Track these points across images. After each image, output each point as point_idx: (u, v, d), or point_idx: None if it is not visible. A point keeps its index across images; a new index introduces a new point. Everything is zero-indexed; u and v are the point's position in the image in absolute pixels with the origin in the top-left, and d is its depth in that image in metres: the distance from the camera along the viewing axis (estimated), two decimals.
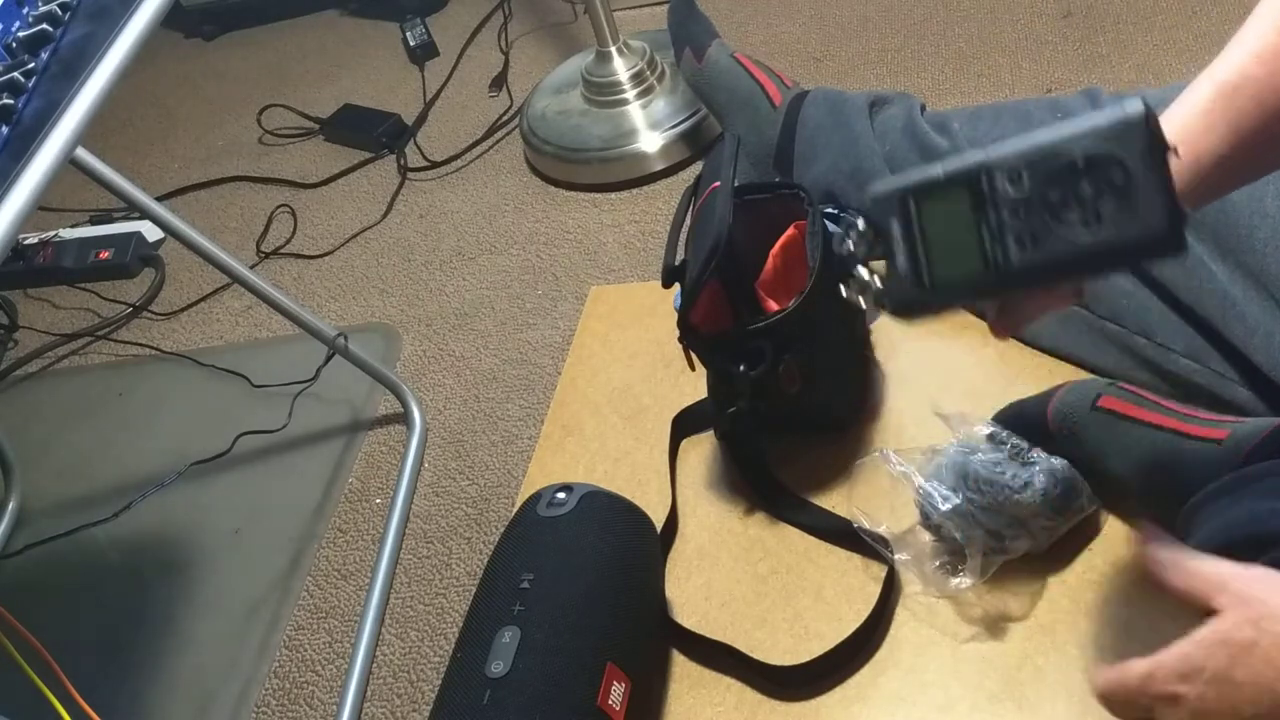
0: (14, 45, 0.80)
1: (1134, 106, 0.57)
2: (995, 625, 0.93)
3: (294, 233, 1.66)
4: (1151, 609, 0.91)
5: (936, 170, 0.62)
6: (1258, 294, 0.92)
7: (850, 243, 0.65)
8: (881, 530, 0.99)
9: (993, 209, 0.60)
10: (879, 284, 0.65)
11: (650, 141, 1.53)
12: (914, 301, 0.63)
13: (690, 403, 1.17)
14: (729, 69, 1.36)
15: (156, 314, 1.60)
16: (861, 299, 0.66)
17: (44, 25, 0.80)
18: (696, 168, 1.52)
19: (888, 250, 0.63)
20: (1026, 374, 1.10)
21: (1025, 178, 0.59)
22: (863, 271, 0.65)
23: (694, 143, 1.54)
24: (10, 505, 1.35)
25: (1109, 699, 0.67)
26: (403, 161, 1.72)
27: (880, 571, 0.98)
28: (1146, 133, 0.56)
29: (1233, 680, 0.61)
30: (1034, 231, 0.58)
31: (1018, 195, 0.59)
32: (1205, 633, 0.63)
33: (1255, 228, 0.91)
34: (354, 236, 1.62)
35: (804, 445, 1.11)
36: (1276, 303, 0.91)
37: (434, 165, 1.70)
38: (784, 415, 1.08)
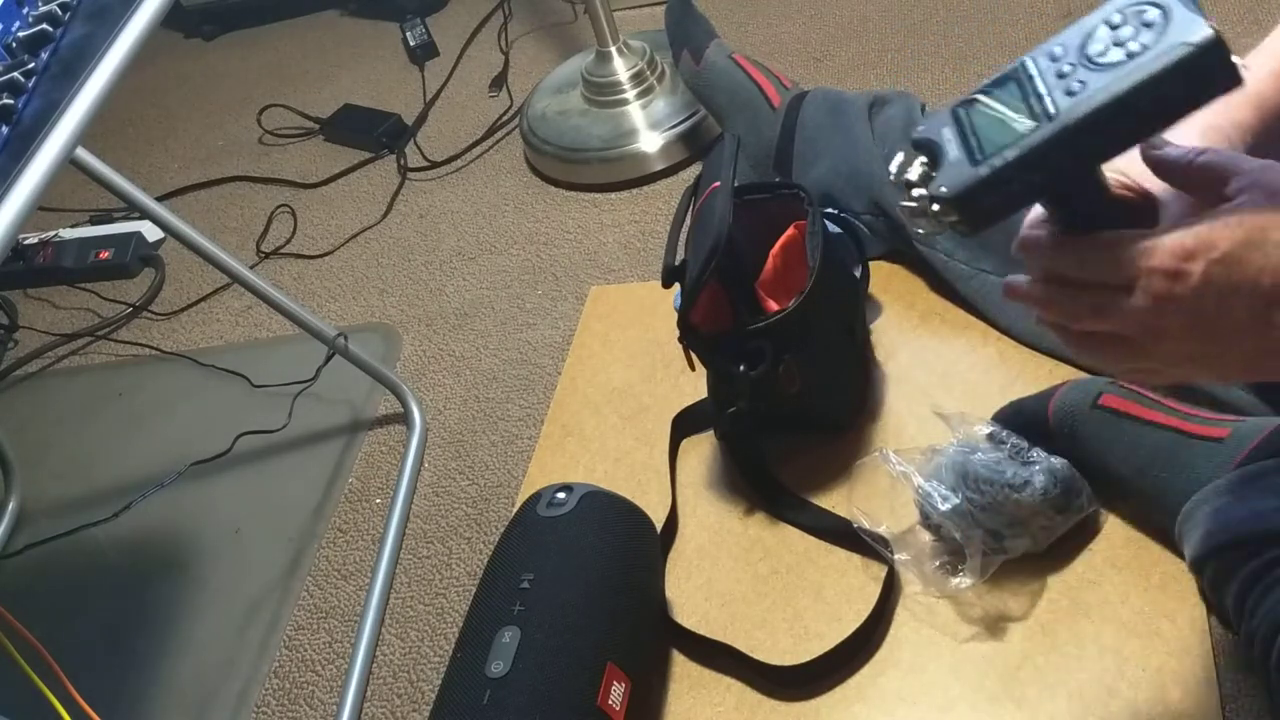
0: (14, 45, 0.80)
1: None
2: (995, 625, 0.93)
3: (294, 233, 1.66)
4: (1148, 608, 0.91)
5: (977, 88, 0.62)
6: None
7: (898, 165, 0.63)
8: (881, 530, 0.99)
9: (1038, 80, 0.59)
10: (930, 186, 0.61)
11: (650, 141, 1.53)
12: (969, 180, 0.59)
13: (690, 403, 1.17)
14: (727, 70, 1.36)
15: (156, 314, 1.60)
16: (922, 222, 0.62)
17: (44, 25, 0.80)
18: (696, 168, 1.52)
19: (940, 155, 0.61)
20: (1026, 374, 1.10)
21: (1063, 45, 0.60)
22: (917, 192, 0.61)
23: (694, 143, 1.54)
24: (10, 505, 1.35)
25: (1059, 280, 0.61)
26: (403, 161, 1.72)
27: (880, 571, 0.98)
28: None
29: (1245, 263, 0.55)
30: (1079, 80, 0.57)
31: (1057, 64, 0.59)
32: (1219, 211, 0.57)
33: None
34: (354, 236, 1.62)
35: (804, 445, 1.11)
36: None
37: (434, 165, 1.70)
38: (784, 415, 1.08)
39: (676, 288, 1.06)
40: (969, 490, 0.93)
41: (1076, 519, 0.95)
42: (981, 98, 0.61)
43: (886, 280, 1.24)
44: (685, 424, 1.17)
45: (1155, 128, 0.59)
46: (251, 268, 1.43)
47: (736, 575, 1.04)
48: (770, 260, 1.12)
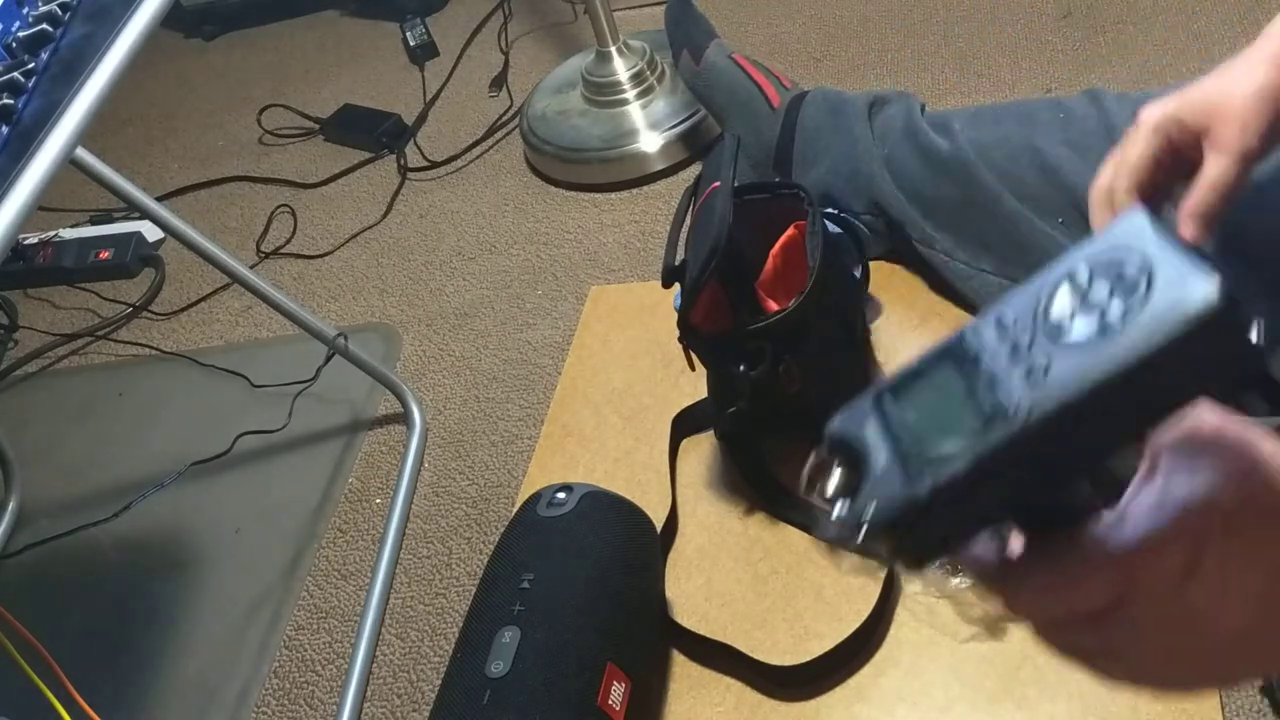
0: (14, 45, 0.80)
1: (1128, 214, 0.43)
2: (995, 625, 0.93)
3: (294, 233, 1.66)
4: None
5: (902, 369, 0.48)
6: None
7: (808, 471, 0.48)
8: None
9: (985, 359, 0.45)
10: (852, 509, 0.45)
11: (650, 141, 1.53)
12: (907, 499, 0.43)
13: (690, 403, 1.17)
14: (727, 71, 1.36)
15: (156, 314, 1.60)
16: (853, 546, 0.45)
17: (44, 25, 0.80)
18: (696, 168, 1.52)
19: (864, 464, 0.46)
20: None
21: (1010, 317, 0.45)
22: (838, 511, 0.46)
23: (694, 143, 1.54)
24: (10, 505, 1.35)
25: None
26: (403, 161, 1.72)
27: (880, 571, 0.98)
28: (1144, 219, 0.42)
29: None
30: (1040, 362, 0.42)
31: (1012, 337, 0.45)
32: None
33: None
34: (354, 236, 1.62)
35: (804, 445, 1.10)
36: (1277, 302, 0.91)
37: (434, 165, 1.70)
38: (784, 415, 1.08)
39: (676, 288, 1.06)
40: None
41: None
42: (914, 384, 0.47)
43: (886, 280, 1.24)
44: (685, 424, 1.17)
45: (1147, 423, 0.43)
46: (251, 268, 1.42)
47: (736, 575, 1.04)
48: (770, 260, 1.12)
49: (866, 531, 0.44)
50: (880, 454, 0.46)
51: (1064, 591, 0.43)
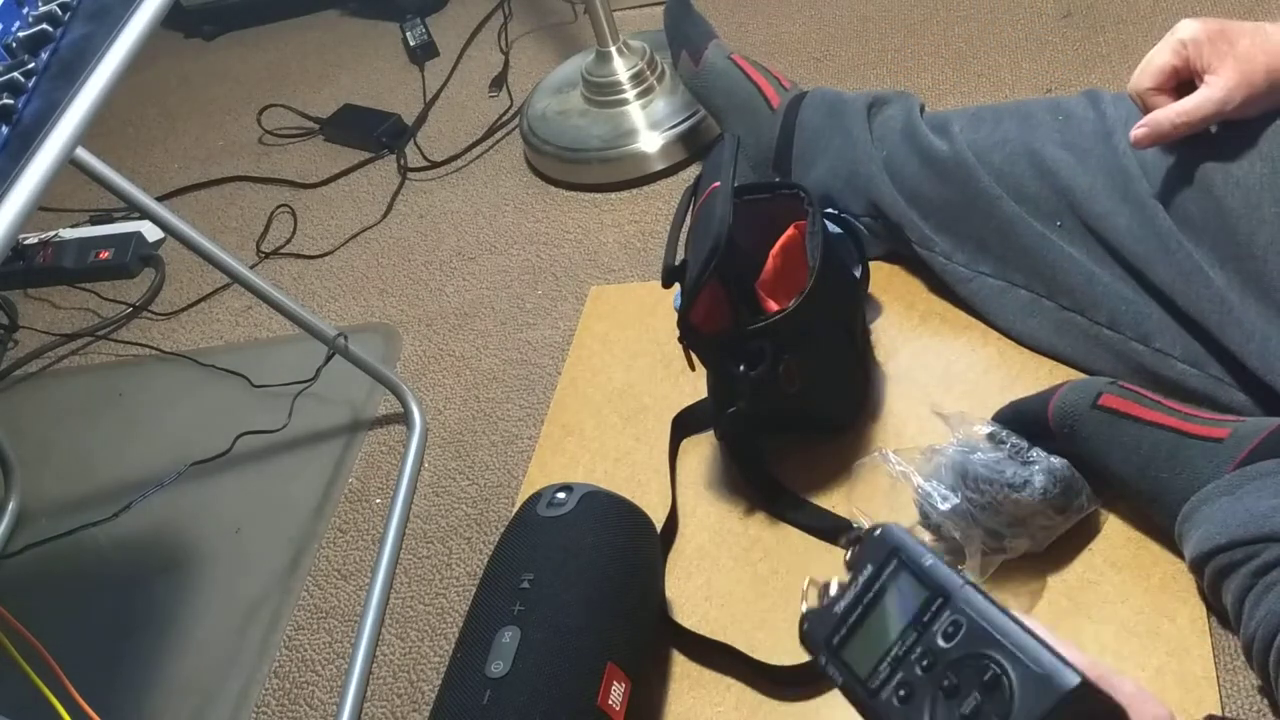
0: (14, 45, 0.80)
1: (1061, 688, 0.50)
2: None
3: (294, 233, 1.66)
4: (1149, 608, 0.91)
5: (929, 559, 0.58)
6: (1255, 299, 0.92)
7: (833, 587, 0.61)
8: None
9: (914, 641, 0.55)
10: (812, 609, 0.60)
11: (650, 141, 1.53)
12: (816, 647, 0.58)
13: (690, 403, 1.17)
14: (726, 72, 1.36)
15: (156, 314, 1.60)
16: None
17: (44, 25, 0.80)
18: (696, 168, 1.52)
19: (842, 592, 0.59)
20: (1026, 374, 1.10)
21: (957, 640, 0.54)
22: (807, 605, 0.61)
23: (694, 143, 1.54)
24: (10, 505, 1.35)
25: None
26: (403, 161, 1.72)
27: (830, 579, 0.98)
28: (1056, 694, 0.49)
29: None
30: (913, 690, 0.54)
31: (940, 646, 0.54)
32: None
33: (1254, 233, 0.92)
34: (354, 236, 1.62)
35: (804, 445, 1.11)
36: (1278, 307, 0.91)
37: (434, 165, 1.70)
38: (784, 415, 1.09)
39: (676, 288, 1.06)
40: (969, 490, 0.93)
41: (1076, 519, 0.95)
42: (898, 586, 0.58)
43: (886, 280, 1.24)
44: (685, 424, 1.17)
45: None
46: (251, 268, 1.43)
47: (736, 575, 1.04)
48: (770, 260, 1.12)
49: (803, 636, 0.60)
50: (841, 603, 0.59)
51: None
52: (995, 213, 1.10)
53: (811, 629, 0.60)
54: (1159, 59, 0.93)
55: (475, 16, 2.01)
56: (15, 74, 0.76)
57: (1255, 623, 0.79)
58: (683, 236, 1.09)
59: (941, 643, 0.55)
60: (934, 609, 0.56)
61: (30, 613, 0.85)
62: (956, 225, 1.15)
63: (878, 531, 0.60)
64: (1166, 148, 0.98)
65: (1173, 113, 0.93)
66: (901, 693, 0.54)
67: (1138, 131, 0.95)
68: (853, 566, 0.60)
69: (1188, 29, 0.92)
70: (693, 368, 1.07)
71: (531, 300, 1.41)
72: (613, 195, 1.53)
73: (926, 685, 0.54)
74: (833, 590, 0.60)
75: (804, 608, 0.61)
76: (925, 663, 0.54)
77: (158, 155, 1.95)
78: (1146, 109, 0.95)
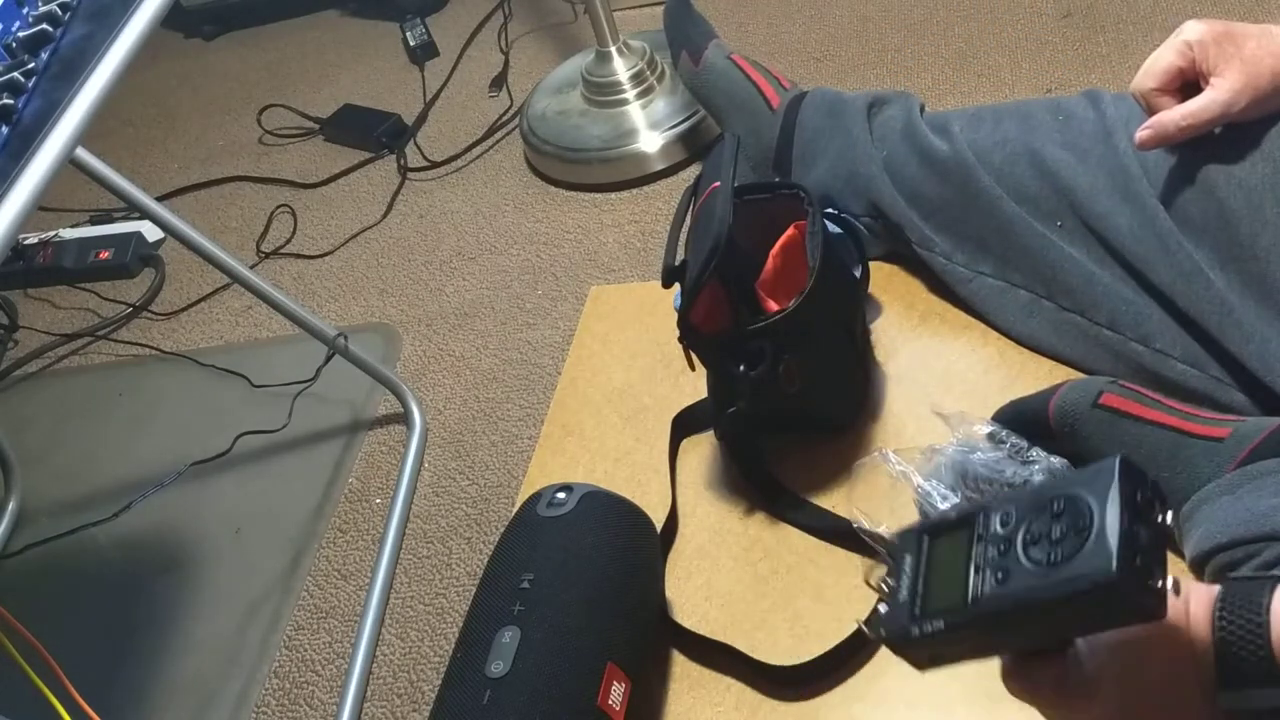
0: (14, 45, 0.80)
1: (1110, 460, 0.58)
2: None
3: (294, 233, 1.66)
4: None
5: (950, 511, 0.66)
6: (1256, 301, 0.92)
7: (874, 574, 0.70)
8: (881, 530, 0.99)
9: (983, 545, 0.61)
10: (879, 625, 0.66)
11: (650, 141, 1.53)
12: (904, 631, 0.63)
13: (690, 403, 1.17)
14: (726, 72, 1.36)
15: (156, 314, 1.60)
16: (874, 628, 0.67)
17: (44, 25, 0.80)
18: (696, 168, 1.52)
19: (897, 583, 0.65)
20: (1026, 374, 1.10)
21: (1013, 516, 0.60)
22: (882, 607, 0.66)
23: (694, 143, 1.54)
24: (10, 505, 1.35)
25: None
26: (403, 161, 1.72)
27: (880, 571, 0.98)
28: (1114, 477, 0.57)
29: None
30: (1008, 568, 0.59)
31: (1004, 532, 0.60)
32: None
33: (1256, 235, 0.91)
34: (354, 236, 1.62)
35: (804, 445, 1.11)
36: (1278, 308, 0.91)
37: (434, 165, 1.70)
38: (784, 415, 1.08)
39: (676, 288, 1.06)
40: (969, 490, 0.93)
41: None
42: (940, 538, 0.65)
43: (886, 280, 1.24)
44: (685, 424, 1.17)
45: (1070, 633, 0.62)
46: (251, 268, 1.43)
47: (736, 575, 1.04)
48: (770, 260, 1.12)
49: (884, 641, 0.65)
50: (904, 587, 0.64)
51: (1025, 694, 0.66)
52: (995, 213, 1.10)
53: (888, 622, 0.64)
54: (1164, 60, 0.93)
55: (475, 16, 2.01)
56: (15, 74, 0.76)
57: None
58: (683, 236, 1.09)
59: (1001, 529, 0.60)
60: (980, 522, 0.62)
61: (30, 613, 0.85)
62: (956, 225, 1.15)
63: (896, 537, 0.67)
64: (1168, 148, 0.98)
65: (1178, 115, 0.92)
66: (998, 577, 0.59)
67: (1142, 134, 0.94)
68: (894, 557, 0.66)
69: (1193, 30, 0.91)
70: (693, 368, 1.07)
71: (531, 300, 1.41)
72: (613, 195, 1.53)
73: (1011, 553, 0.59)
74: (886, 588, 0.65)
75: (869, 620, 0.69)
76: (1000, 548, 0.60)
77: (158, 155, 1.95)
78: (1151, 110, 0.95)
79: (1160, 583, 0.56)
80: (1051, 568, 0.57)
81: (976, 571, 0.60)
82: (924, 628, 0.61)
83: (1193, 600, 0.63)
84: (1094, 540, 0.55)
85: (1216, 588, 0.64)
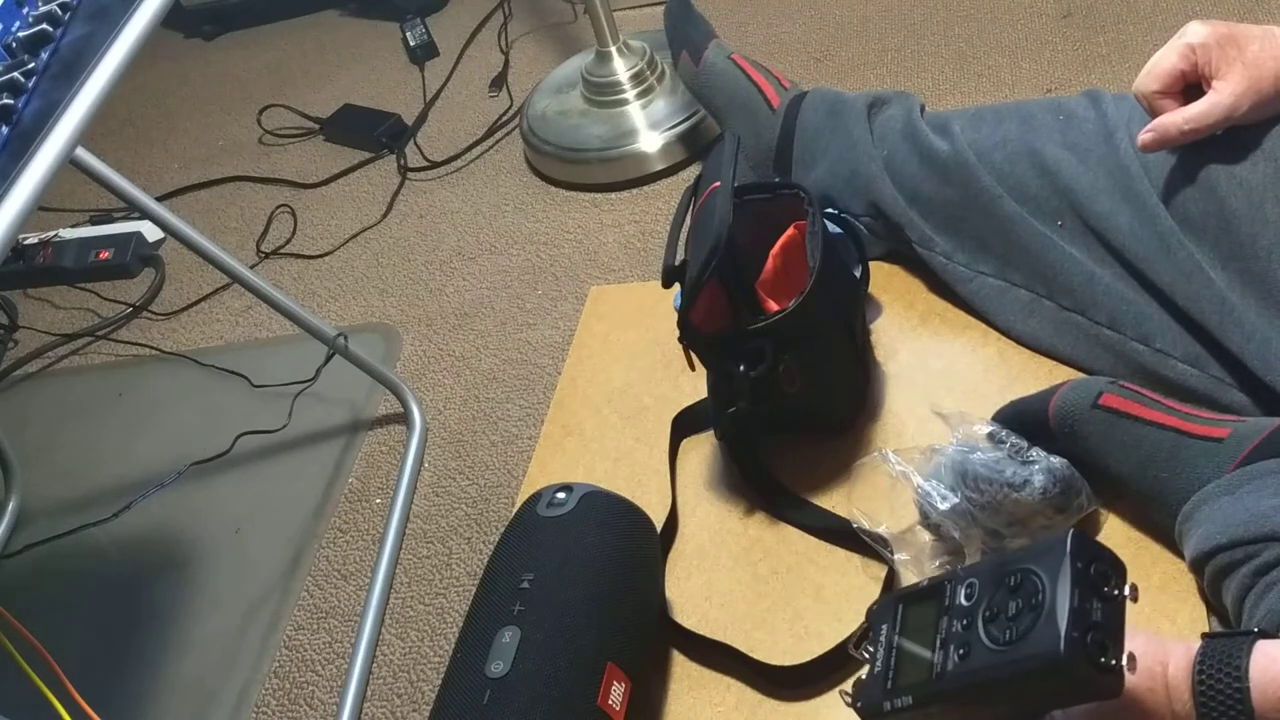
0: (14, 45, 0.80)
1: (1062, 535, 0.59)
2: None
3: (294, 233, 1.66)
4: (1149, 608, 0.91)
5: (923, 581, 0.68)
6: (1256, 300, 0.92)
7: (863, 646, 0.69)
8: (881, 530, 0.99)
9: (948, 619, 0.63)
10: (861, 680, 0.68)
11: (650, 141, 1.53)
12: (877, 705, 0.65)
13: (690, 403, 1.17)
14: (726, 72, 1.36)
15: (156, 314, 1.60)
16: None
17: (44, 25, 0.80)
18: (696, 168, 1.52)
19: (874, 653, 0.67)
20: (1026, 374, 1.10)
21: (975, 589, 0.62)
22: (863, 673, 0.69)
23: (694, 143, 1.54)
24: (10, 505, 1.35)
25: None
26: (403, 161, 1.72)
27: (880, 571, 0.98)
28: (1065, 552, 0.58)
29: None
30: (970, 644, 0.60)
31: (967, 605, 0.62)
32: None
33: (1257, 234, 0.91)
34: (354, 236, 1.62)
35: (804, 445, 1.11)
36: (1278, 308, 0.91)
37: (434, 165, 1.70)
38: (784, 415, 1.08)
39: (676, 288, 1.06)
40: (968, 490, 0.93)
41: (1076, 518, 0.95)
42: (912, 607, 0.67)
43: (886, 280, 1.24)
44: (685, 424, 1.17)
45: (1033, 708, 0.63)
46: (251, 268, 1.43)
47: (736, 575, 1.04)
48: (770, 260, 1.12)
49: (860, 714, 0.68)
50: (879, 660, 0.67)
51: None
52: (996, 212, 1.10)
53: (864, 695, 0.66)
54: (1166, 62, 0.92)
55: (475, 16, 2.01)
56: (15, 74, 0.76)
57: (1255, 622, 0.79)
58: (683, 236, 1.09)
59: (965, 602, 0.62)
60: (947, 594, 0.64)
61: (30, 613, 0.85)
62: (957, 225, 1.15)
63: (874, 606, 0.70)
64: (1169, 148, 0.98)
65: (1180, 119, 0.92)
66: (960, 653, 0.60)
67: (1145, 136, 0.94)
68: (872, 628, 0.68)
69: (1196, 33, 0.91)
70: (693, 368, 1.07)
71: (531, 300, 1.41)
72: (613, 195, 1.53)
73: (973, 629, 0.60)
74: (866, 656, 0.68)
75: (847, 698, 0.69)
76: (964, 622, 0.61)
77: (158, 155, 1.95)
78: (1153, 113, 0.95)
79: (1114, 660, 0.56)
80: (1008, 646, 0.58)
81: (941, 647, 0.62)
82: (894, 703, 0.63)
83: (1171, 663, 0.62)
84: (1044, 619, 0.57)
85: (1195, 648, 0.64)
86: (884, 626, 0.67)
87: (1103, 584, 0.58)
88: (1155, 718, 0.62)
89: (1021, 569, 0.59)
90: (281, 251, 1.63)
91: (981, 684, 0.60)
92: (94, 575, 1.28)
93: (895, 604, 0.68)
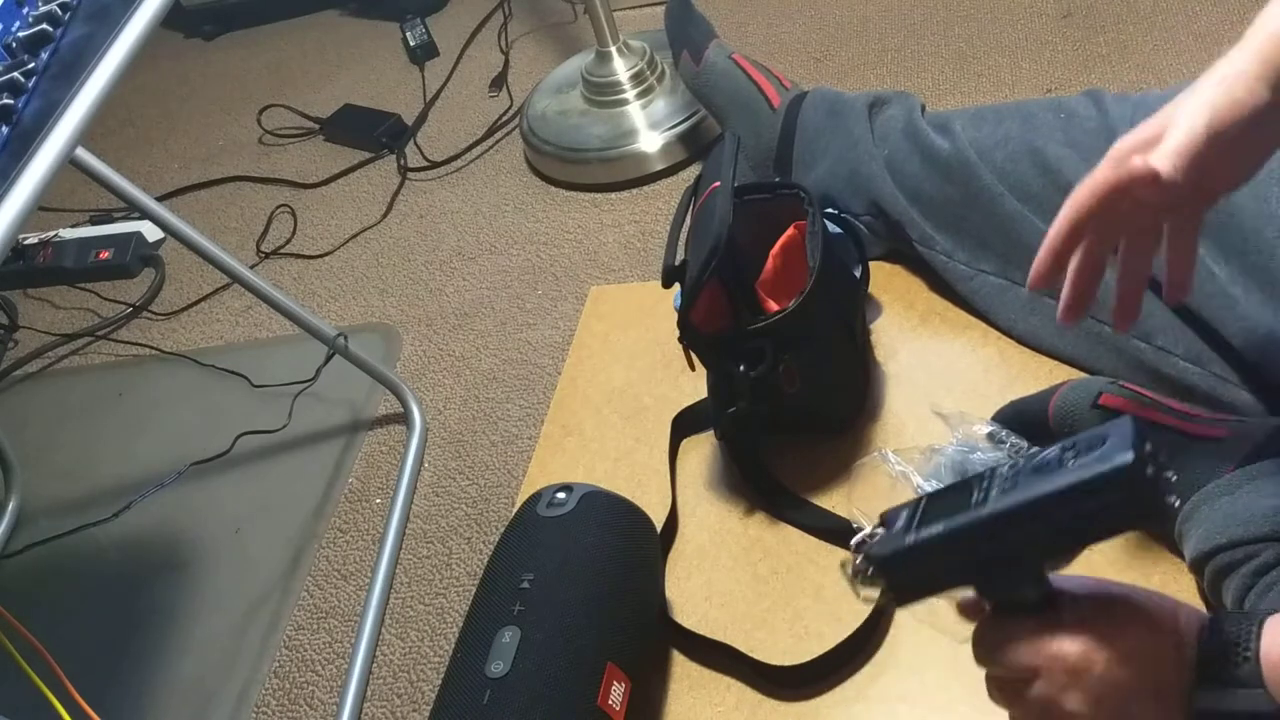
0: (14, 45, 0.80)
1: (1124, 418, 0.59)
2: None
3: (294, 233, 1.66)
4: None
5: (940, 487, 0.66)
6: (1260, 294, 0.92)
7: (859, 536, 0.66)
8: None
9: (990, 479, 0.61)
10: (868, 550, 0.65)
11: (650, 141, 1.53)
12: (897, 545, 0.62)
13: (690, 403, 1.17)
14: (727, 72, 1.36)
15: (156, 314, 1.60)
16: (860, 581, 0.66)
17: (44, 25, 0.80)
18: (696, 168, 1.52)
19: (890, 526, 0.64)
20: (1026, 374, 1.10)
21: (1019, 465, 0.61)
22: (859, 556, 0.66)
23: (694, 143, 1.54)
24: (10, 505, 1.35)
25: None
26: (403, 161, 1.72)
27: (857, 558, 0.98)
28: (1129, 424, 0.58)
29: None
30: (1016, 481, 0.59)
31: (1014, 470, 0.61)
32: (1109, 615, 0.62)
33: (1261, 229, 0.91)
34: (354, 236, 1.62)
35: (804, 445, 1.11)
36: None
37: (434, 165, 1.70)
38: (784, 415, 1.08)
39: (676, 288, 1.06)
40: None
41: None
42: (936, 497, 0.65)
43: (886, 280, 1.24)
44: (685, 424, 1.17)
45: (1074, 537, 0.60)
46: (251, 268, 1.43)
47: (736, 575, 1.04)
48: (770, 260, 1.12)
49: (873, 568, 0.64)
50: (900, 521, 0.64)
51: (999, 653, 0.63)
52: (997, 211, 1.10)
53: (879, 547, 0.63)
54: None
55: (475, 16, 2.01)
56: (15, 74, 0.76)
57: None
58: (683, 236, 1.09)
59: (1008, 472, 0.61)
60: (985, 476, 0.62)
61: (30, 613, 0.85)
62: (958, 223, 1.15)
63: (891, 509, 0.66)
64: None
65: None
66: (1005, 487, 0.59)
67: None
68: (886, 524, 0.65)
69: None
70: (693, 368, 1.07)
71: (531, 300, 1.41)
72: (613, 195, 1.53)
73: (1019, 473, 0.60)
74: (877, 534, 0.65)
75: (851, 564, 0.66)
76: (1006, 478, 0.60)
77: (158, 155, 1.95)
78: None
79: (1169, 497, 0.58)
80: (1062, 470, 0.57)
81: (985, 493, 0.60)
82: (920, 535, 0.61)
83: (1182, 615, 0.62)
84: (1108, 446, 0.56)
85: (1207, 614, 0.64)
86: (903, 511, 0.64)
87: (1156, 457, 0.58)
88: (1160, 621, 0.61)
89: (1078, 438, 0.59)
90: (281, 251, 1.63)
91: (1030, 504, 0.58)
92: (94, 575, 1.28)
93: (917, 502, 0.65)
